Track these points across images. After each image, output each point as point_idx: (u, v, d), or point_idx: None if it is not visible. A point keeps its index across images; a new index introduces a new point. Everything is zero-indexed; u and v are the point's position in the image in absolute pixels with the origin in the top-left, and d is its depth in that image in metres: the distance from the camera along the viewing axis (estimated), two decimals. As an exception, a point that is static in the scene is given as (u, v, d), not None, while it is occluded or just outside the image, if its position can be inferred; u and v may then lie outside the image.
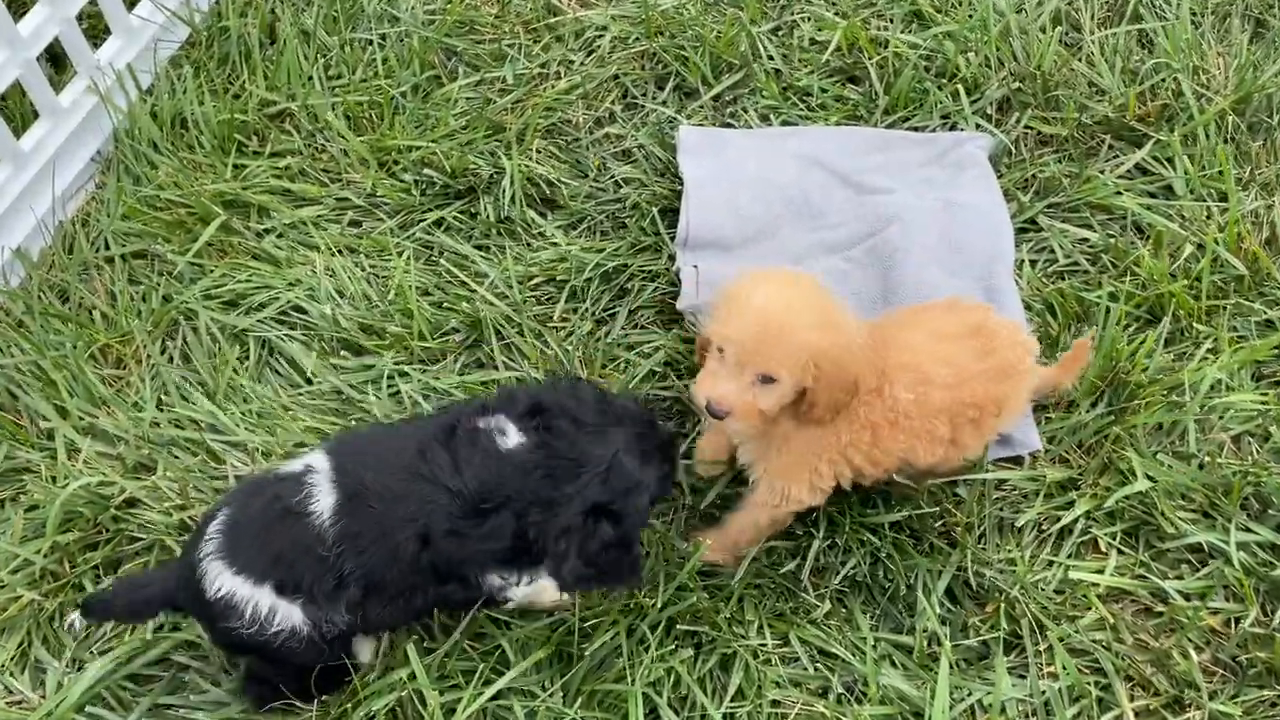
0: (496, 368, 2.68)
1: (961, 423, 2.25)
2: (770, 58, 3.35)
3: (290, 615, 1.96)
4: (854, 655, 2.24)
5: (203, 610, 2.00)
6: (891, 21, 3.42)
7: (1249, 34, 3.39)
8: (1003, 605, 2.27)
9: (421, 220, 3.01)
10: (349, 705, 2.17)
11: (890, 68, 3.28)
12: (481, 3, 3.55)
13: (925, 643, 2.25)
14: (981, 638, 2.27)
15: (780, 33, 3.43)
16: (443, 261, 2.90)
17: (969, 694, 2.19)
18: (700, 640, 2.27)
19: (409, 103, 3.25)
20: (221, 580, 1.93)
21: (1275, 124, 3.09)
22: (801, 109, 3.26)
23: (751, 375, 2.02)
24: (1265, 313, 2.75)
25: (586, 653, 2.20)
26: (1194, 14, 3.40)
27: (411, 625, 2.27)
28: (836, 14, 3.43)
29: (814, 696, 2.20)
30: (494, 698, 2.17)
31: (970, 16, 3.35)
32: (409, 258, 2.91)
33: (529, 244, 2.96)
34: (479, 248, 2.95)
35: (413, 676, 2.15)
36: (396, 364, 2.69)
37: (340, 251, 2.94)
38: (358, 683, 2.18)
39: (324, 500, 1.93)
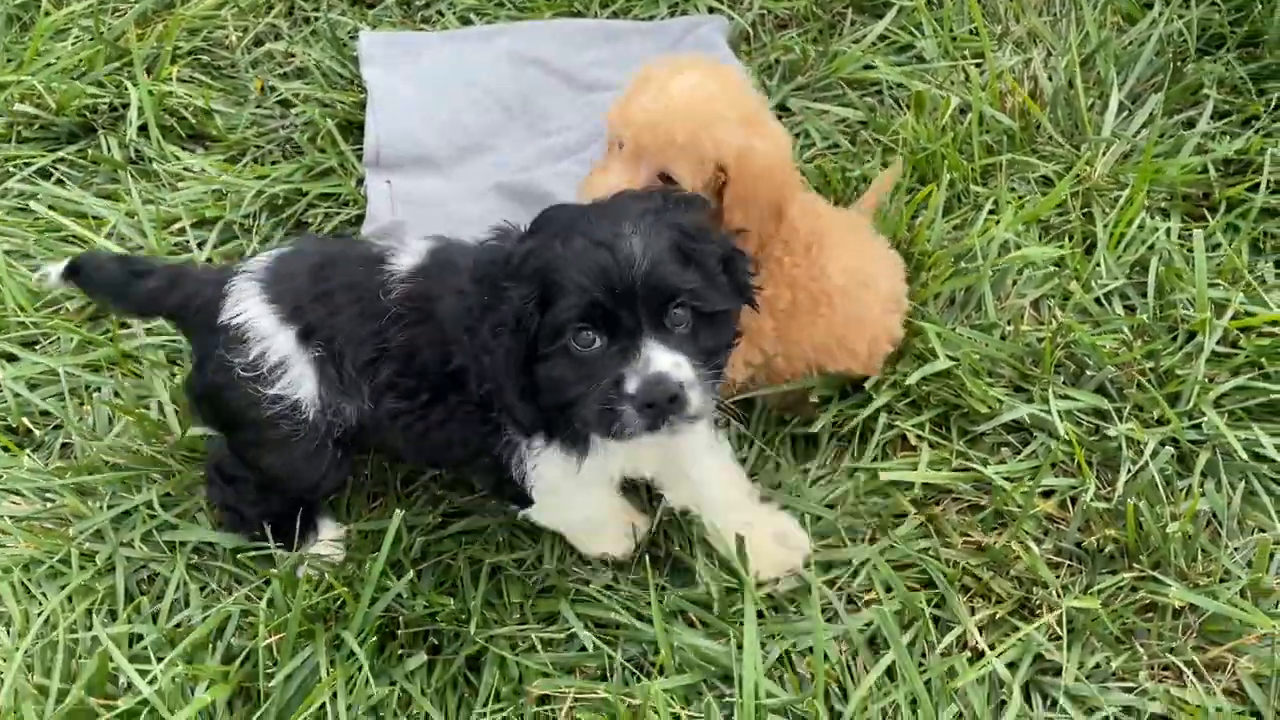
0: (134, 335, 2.02)
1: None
2: (465, -43, 2.84)
3: (303, 381, 1.56)
4: (640, 620, 1.73)
5: (200, 328, 1.61)
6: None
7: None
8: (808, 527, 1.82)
9: (18, 172, 2.28)
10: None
11: (603, -47, 2.83)
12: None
13: (724, 590, 1.77)
14: (789, 571, 1.81)
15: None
16: (48, 213, 2.20)
17: (783, 640, 1.72)
18: (439, 641, 1.70)
19: (-1, 36, 2.53)
20: (246, 304, 1.55)
21: (1020, -23, 2.85)
22: (509, 9, 2.77)
23: (648, 172, 1.65)
24: (1042, 167, 2.46)
25: (274, 684, 1.59)
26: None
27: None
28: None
29: (593, 681, 1.68)
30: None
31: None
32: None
33: (173, 185, 2.30)
34: (104, 196, 2.26)
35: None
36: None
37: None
38: None
39: (403, 259, 1.59)
